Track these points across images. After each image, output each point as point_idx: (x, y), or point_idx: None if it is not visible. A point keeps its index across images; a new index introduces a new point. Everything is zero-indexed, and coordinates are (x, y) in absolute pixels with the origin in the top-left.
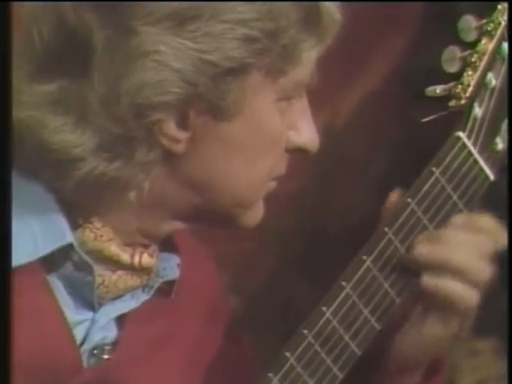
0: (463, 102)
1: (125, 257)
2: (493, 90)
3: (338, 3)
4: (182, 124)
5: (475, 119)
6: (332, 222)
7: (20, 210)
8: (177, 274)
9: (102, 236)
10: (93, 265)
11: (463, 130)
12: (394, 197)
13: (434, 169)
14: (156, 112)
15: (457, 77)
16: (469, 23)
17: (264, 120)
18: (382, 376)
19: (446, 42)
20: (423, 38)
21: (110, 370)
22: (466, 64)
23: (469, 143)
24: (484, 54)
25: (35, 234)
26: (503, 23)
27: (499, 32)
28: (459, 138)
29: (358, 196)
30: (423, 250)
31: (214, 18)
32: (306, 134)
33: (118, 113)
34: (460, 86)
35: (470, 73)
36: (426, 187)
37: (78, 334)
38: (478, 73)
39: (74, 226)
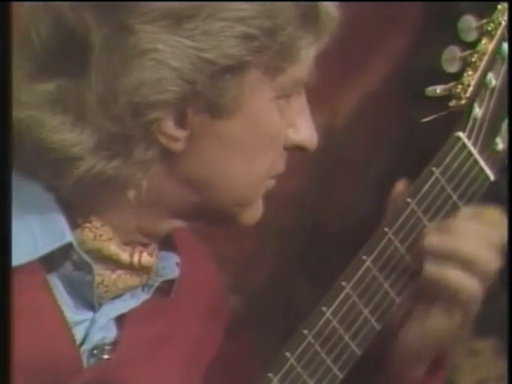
0: (463, 102)
1: (124, 256)
2: (493, 90)
3: (337, 3)
4: (180, 122)
5: (475, 119)
6: (332, 222)
7: (19, 209)
8: (176, 273)
9: (101, 235)
10: (92, 264)
11: (463, 130)
12: (400, 186)
13: (434, 169)
14: (154, 110)
15: (457, 77)
16: (469, 23)
17: (262, 118)
18: (386, 373)
19: (446, 42)
20: (423, 38)
21: (109, 369)
22: (466, 64)
23: (469, 143)
24: (484, 54)
25: (35, 234)
26: (503, 23)
27: (499, 32)
28: (459, 138)
29: (358, 196)
30: (433, 239)
31: (212, 16)
32: (304, 131)
33: (116, 112)
34: (460, 86)
35: (470, 73)
36: (426, 187)
37: (78, 333)
38: (478, 73)
39: (74, 225)
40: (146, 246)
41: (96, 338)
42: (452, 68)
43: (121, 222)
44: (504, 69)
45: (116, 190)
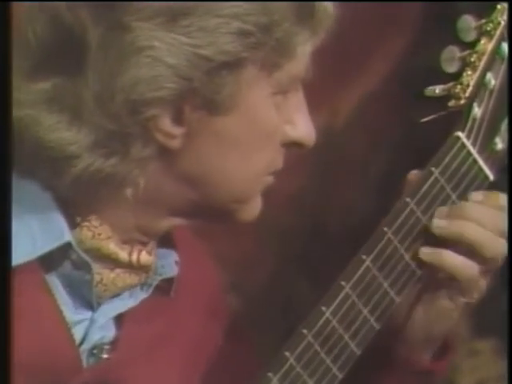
0: (462, 101)
1: (123, 255)
2: (492, 89)
3: (337, 3)
4: (177, 119)
5: (474, 119)
6: (332, 222)
7: (18, 209)
8: (175, 272)
9: (99, 234)
10: (91, 263)
11: (462, 130)
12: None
13: (433, 169)
14: (151, 108)
15: (456, 77)
16: (468, 23)
17: (259, 114)
18: (391, 361)
19: (445, 42)
20: (423, 37)
21: (109, 369)
22: (465, 64)
23: (468, 143)
24: (483, 53)
25: (34, 233)
26: (502, 23)
27: (498, 32)
28: (458, 138)
29: (358, 196)
30: (440, 222)
31: (208, 12)
32: (301, 127)
33: (113, 109)
34: (459, 86)
35: (469, 73)
36: (425, 187)
37: (77, 333)
38: (478, 73)
39: (72, 224)
40: (144, 244)
41: (95, 337)
42: (451, 68)
43: (119, 221)
44: (503, 69)
45: (114, 188)
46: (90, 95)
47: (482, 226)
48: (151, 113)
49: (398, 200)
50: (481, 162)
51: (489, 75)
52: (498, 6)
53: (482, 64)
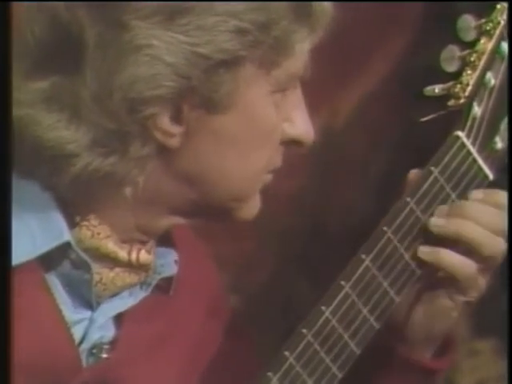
0: (462, 101)
1: (122, 254)
2: (492, 89)
3: (337, 3)
4: (176, 118)
5: (474, 118)
6: (332, 222)
7: (18, 208)
8: (175, 271)
9: (99, 233)
10: (90, 263)
11: (462, 130)
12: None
13: (432, 168)
14: (149, 106)
15: (456, 76)
16: (468, 23)
17: (258, 112)
18: (391, 359)
19: (445, 42)
20: (423, 37)
21: (108, 369)
22: (465, 63)
23: (468, 142)
24: (483, 53)
25: (33, 233)
26: (502, 23)
27: (498, 31)
28: (458, 138)
29: (358, 196)
30: (438, 221)
31: (206, 11)
32: (300, 125)
33: (112, 108)
34: (459, 86)
35: (469, 72)
36: (425, 186)
37: (77, 333)
38: (477, 72)
39: (72, 223)
40: (143, 243)
41: (95, 337)
42: (451, 67)
43: (118, 220)
44: (503, 68)
45: (113, 187)
46: (88, 94)
47: (481, 224)
48: (150, 111)
49: (397, 200)
50: (480, 162)
51: (488, 75)
52: (498, 6)
53: (481, 63)
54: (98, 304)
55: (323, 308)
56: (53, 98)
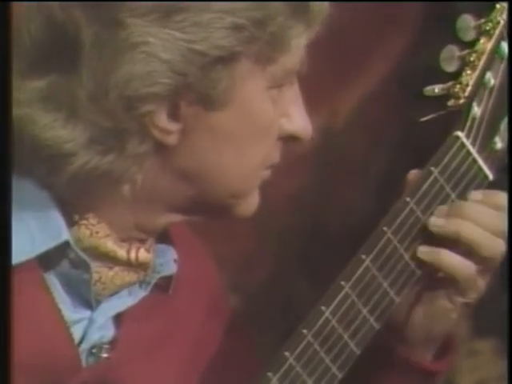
0: (462, 101)
1: (121, 252)
2: (491, 89)
3: (337, 3)
4: (173, 115)
5: (474, 119)
6: (332, 222)
7: (16, 208)
8: (174, 270)
9: (97, 232)
10: (89, 262)
11: (462, 130)
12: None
13: (432, 168)
14: (146, 104)
15: (455, 76)
16: (467, 22)
17: (254, 108)
18: (391, 361)
19: (444, 42)
20: (422, 37)
21: (108, 368)
22: (464, 63)
23: (467, 142)
24: (483, 53)
25: (32, 232)
26: (502, 22)
27: (498, 31)
28: (458, 138)
29: (358, 196)
30: (437, 222)
31: (202, 7)
32: (298, 121)
33: (108, 106)
34: (459, 86)
35: (468, 72)
36: (425, 186)
37: (76, 333)
38: (477, 72)
39: (70, 222)
40: (143, 242)
41: (94, 337)
42: (450, 67)
43: (117, 218)
44: (502, 68)
45: (111, 185)
46: (85, 93)
47: (480, 225)
48: (146, 109)
49: (397, 200)
50: (480, 162)
51: (488, 74)
52: (498, 6)
53: (481, 63)
54: (98, 303)
55: (323, 308)
56: (49, 97)
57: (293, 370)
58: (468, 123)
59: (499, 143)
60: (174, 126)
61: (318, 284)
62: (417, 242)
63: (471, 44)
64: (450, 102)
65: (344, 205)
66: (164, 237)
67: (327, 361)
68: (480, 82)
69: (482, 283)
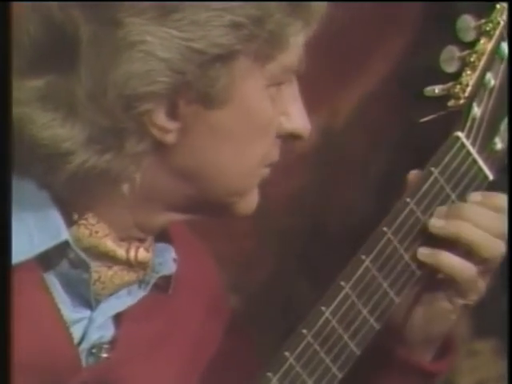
0: (462, 101)
1: (120, 252)
2: (491, 89)
3: (337, 3)
4: (172, 114)
5: (474, 119)
6: (332, 222)
7: (15, 207)
8: (173, 269)
9: (97, 232)
10: (89, 262)
11: (462, 130)
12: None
13: (432, 168)
14: (144, 102)
15: (455, 77)
16: (467, 23)
17: (253, 106)
18: (391, 362)
19: (444, 42)
20: (422, 37)
21: (108, 368)
22: (464, 64)
23: (467, 143)
24: (483, 53)
25: (31, 232)
26: (502, 23)
27: (498, 32)
28: (458, 138)
29: (358, 196)
30: (437, 223)
31: (200, 6)
32: (297, 119)
33: (107, 105)
34: (459, 86)
35: (468, 73)
36: (425, 187)
37: (76, 332)
38: (477, 73)
39: (69, 222)
40: (142, 241)
41: (94, 336)
42: (451, 68)
43: (116, 217)
44: (503, 68)
45: (110, 184)
46: (83, 92)
47: (479, 226)
48: (145, 107)
49: (397, 200)
50: (480, 162)
51: (488, 75)
52: (498, 6)
53: (481, 64)
54: (97, 303)
55: (323, 308)
56: (48, 96)
57: (293, 370)
58: (468, 124)
59: (499, 144)
60: (172, 125)
61: (318, 284)
62: (417, 242)
63: (471, 44)
64: (450, 103)
65: (344, 205)
66: (163, 236)
67: (327, 361)
68: (480, 83)
69: (482, 284)
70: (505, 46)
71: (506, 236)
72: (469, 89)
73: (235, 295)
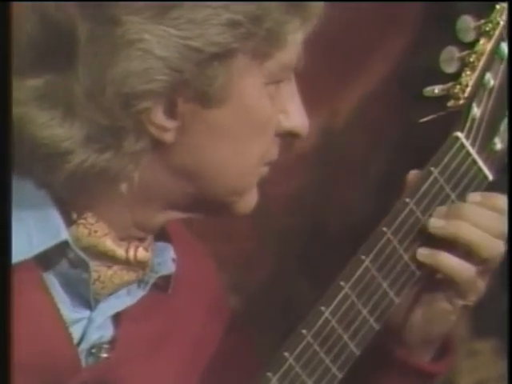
0: (461, 102)
1: (120, 251)
2: (491, 90)
3: (338, 3)
4: (170, 112)
5: (473, 119)
6: (332, 222)
7: (15, 207)
8: (172, 269)
9: (96, 231)
10: (88, 261)
11: (461, 130)
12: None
13: (432, 169)
14: (142, 101)
15: (455, 77)
16: (467, 23)
17: (252, 104)
18: (390, 363)
19: (444, 43)
20: (422, 38)
21: (108, 368)
22: (464, 64)
23: (467, 143)
24: (482, 54)
25: (30, 232)
26: (502, 23)
27: (497, 32)
28: (458, 138)
29: (358, 196)
30: (437, 223)
31: (197, 4)
32: (295, 117)
33: (105, 104)
34: (458, 87)
35: (468, 73)
36: (425, 187)
37: (76, 332)
38: (477, 73)
39: (69, 222)
40: (141, 240)
41: (94, 336)
42: (450, 68)
43: (115, 217)
44: (502, 69)
45: (108, 183)
46: (81, 90)
47: (479, 226)
48: (143, 106)
49: (397, 200)
50: (480, 162)
51: (488, 75)
52: (497, 6)
53: (481, 64)
54: (97, 303)
55: (323, 308)
56: (46, 95)
57: (292, 370)
58: (468, 124)
59: (499, 144)
60: (170, 123)
61: (318, 284)
62: (417, 242)
63: (471, 45)
64: (450, 103)
65: (344, 205)
66: (162, 236)
67: (327, 361)
68: (480, 83)
69: (481, 285)
70: (504, 47)
71: (506, 236)
72: (468, 89)
73: (235, 295)
